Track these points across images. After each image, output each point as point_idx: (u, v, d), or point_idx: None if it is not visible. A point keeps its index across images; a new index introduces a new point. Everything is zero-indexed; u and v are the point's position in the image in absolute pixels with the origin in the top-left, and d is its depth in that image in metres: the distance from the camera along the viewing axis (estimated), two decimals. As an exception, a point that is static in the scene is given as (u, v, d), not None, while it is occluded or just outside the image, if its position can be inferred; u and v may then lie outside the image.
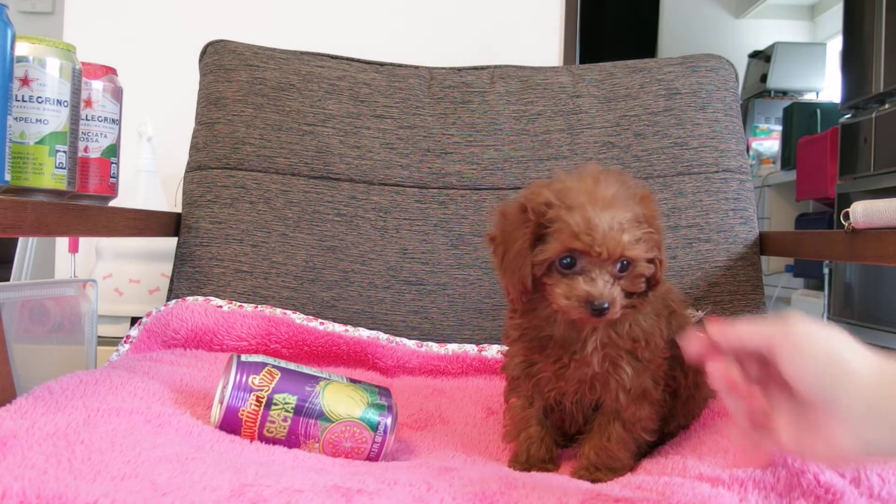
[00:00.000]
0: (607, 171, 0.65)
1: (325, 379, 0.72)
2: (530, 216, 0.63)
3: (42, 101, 0.81)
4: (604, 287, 0.60)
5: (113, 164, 0.97)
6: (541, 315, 0.67)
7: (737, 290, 1.11)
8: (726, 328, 0.50)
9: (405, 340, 1.08)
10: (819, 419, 0.47)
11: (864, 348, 0.48)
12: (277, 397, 0.68)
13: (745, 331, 0.50)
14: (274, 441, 0.69)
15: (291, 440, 0.69)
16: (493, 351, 1.05)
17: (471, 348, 1.06)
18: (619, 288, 0.61)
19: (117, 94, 0.98)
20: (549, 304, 0.65)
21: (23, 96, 0.80)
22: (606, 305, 0.59)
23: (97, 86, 0.95)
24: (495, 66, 1.24)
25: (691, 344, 0.53)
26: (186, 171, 1.19)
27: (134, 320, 1.35)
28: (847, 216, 0.90)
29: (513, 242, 0.64)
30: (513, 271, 0.65)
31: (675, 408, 0.73)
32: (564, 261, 0.61)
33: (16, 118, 0.79)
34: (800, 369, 0.47)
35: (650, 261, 0.63)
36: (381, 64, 1.23)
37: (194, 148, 1.19)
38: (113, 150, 0.97)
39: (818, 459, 0.51)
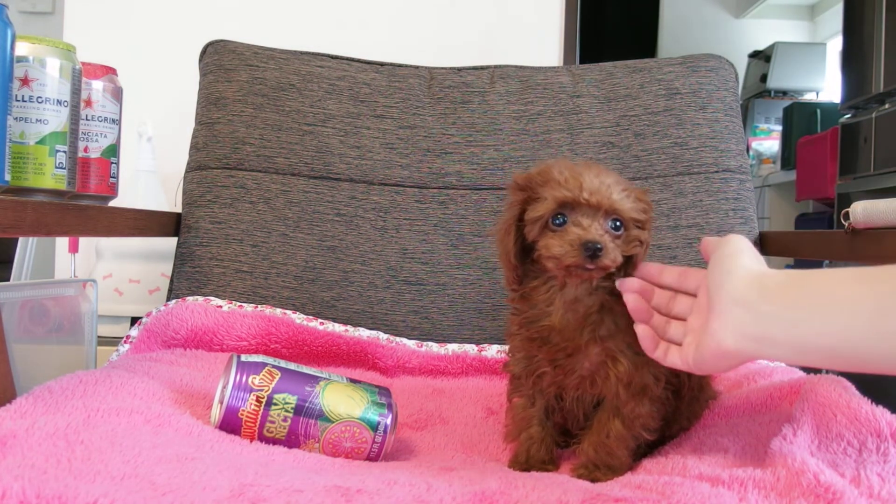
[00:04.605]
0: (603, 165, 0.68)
1: (325, 379, 0.72)
2: (519, 184, 0.66)
3: (42, 101, 0.81)
4: (596, 232, 0.61)
5: (113, 164, 0.97)
6: (538, 300, 0.67)
7: (737, 290, 1.11)
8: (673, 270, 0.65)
9: (405, 340, 1.08)
10: (710, 315, 0.56)
11: (761, 260, 0.58)
12: (277, 397, 0.68)
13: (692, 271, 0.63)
14: (274, 441, 0.69)
15: (291, 440, 0.69)
16: (493, 351, 1.05)
17: (471, 348, 1.06)
18: (613, 243, 0.63)
19: (117, 94, 0.98)
20: (546, 288, 0.66)
21: (23, 96, 0.80)
22: (600, 246, 0.60)
23: (97, 86, 0.95)
24: (495, 66, 1.24)
25: (625, 284, 0.65)
26: (186, 171, 1.19)
27: (134, 320, 1.35)
28: (847, 216, 0.89)
29: (503, 219, 0.67)
30: (500, 244, 0.68)
31: (679, 409, 0.72)
32: (556, 220, 0.63)
33: (16, 118, 0.79)
34: (711, 272, 0.58)
35: (638, 224, 0.65)
36: (381, 64, 1.23)
37: (194, 148, 1.19)
38: (113, 150, 0.97)
39: (708, 360, 0.58)
